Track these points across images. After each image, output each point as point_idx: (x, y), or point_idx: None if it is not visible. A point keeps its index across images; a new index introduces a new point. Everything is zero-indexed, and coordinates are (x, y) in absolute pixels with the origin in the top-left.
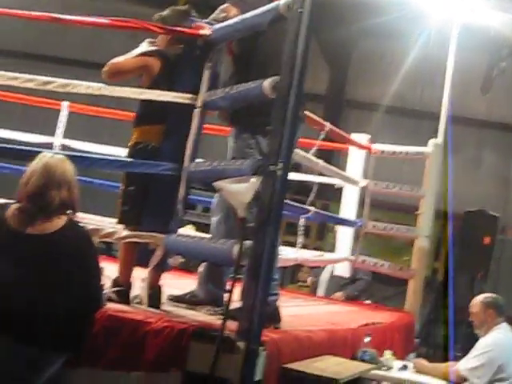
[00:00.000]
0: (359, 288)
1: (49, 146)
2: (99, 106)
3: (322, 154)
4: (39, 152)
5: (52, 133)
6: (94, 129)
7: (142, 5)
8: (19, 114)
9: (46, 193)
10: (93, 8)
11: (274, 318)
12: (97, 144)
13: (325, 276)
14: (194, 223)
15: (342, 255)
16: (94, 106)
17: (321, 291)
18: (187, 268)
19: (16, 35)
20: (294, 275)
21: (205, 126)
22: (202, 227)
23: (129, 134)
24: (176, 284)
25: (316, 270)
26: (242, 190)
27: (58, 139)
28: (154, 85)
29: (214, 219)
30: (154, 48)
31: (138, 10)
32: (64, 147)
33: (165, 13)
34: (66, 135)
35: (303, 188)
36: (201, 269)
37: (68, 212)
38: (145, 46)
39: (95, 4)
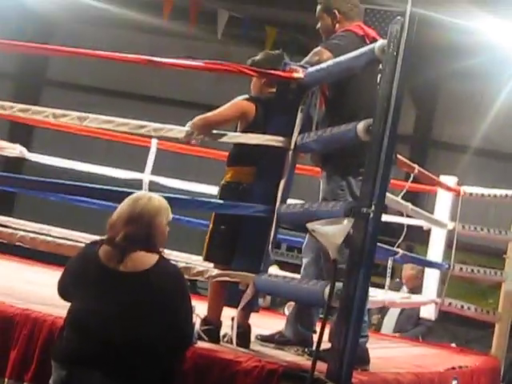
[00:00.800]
0: (419, 333)
1: (137, 183)
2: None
3: (409, 195)
4: (130, 192)
5: (137, 168)
6: (181, 166)
7: (231, 45)
8: (104, 149)
9: (138, 231)
10: (181, 48)
11: (362, 359)
12: (184, 181)
13: (392, 315)
14: (278, 262)
15: (428, 298)
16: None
17: (386, 330)
18: (271, 308)
19: (106, 73)
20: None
21: (296, 166)
22: (286, 266)
23: (215, 171)
24: (263, 324)
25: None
26: (334, 232)
27: (146, 176)
28: (248, 129)
29: (305, 260)
30: (249, 96)
31: (226, 49)
32: (152, 184)
33: (258, 57)
34: (153, 172)
35: (388, 229)
36: (286, 309)
37: (159, 250)
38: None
39: (184, 43)
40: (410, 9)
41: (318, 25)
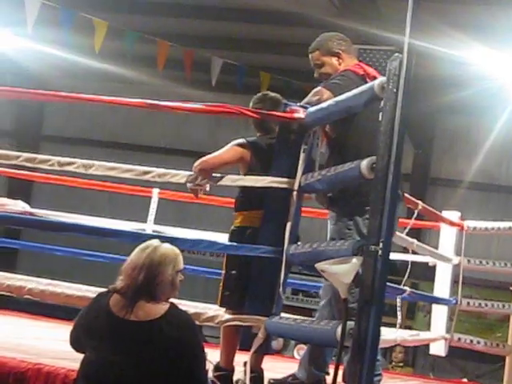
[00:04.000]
0: None
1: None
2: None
3: (412, 231)
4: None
5: (139, 219)
6: (182, 215)
7: (226, 92)
8: (106, 201)
9: (143, 280)
10: (177, 97)
11: None
12: (185, 229)
13: None
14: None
15: (437, 334)
16: (181, 192)
17: None
18: (281, 352)
19: (102, 126)
20: (386, 355)
21: (304, 209)
22: (291, 310)
23: (216, 218)
24: (275, 368)
25: None
26: (343, 271)
27: (149, 225)
28: (249, 173)
29: (321, 303)
30: (244, 140)
31: (222, 97)
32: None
33: (256, 100)
34: (156, 222)
35: (392, 267)
36: (296, 352)
37: (167, 299)
38: (240, 139)
39: (179, 92)
40: (408, 45)
41: (318, 72)
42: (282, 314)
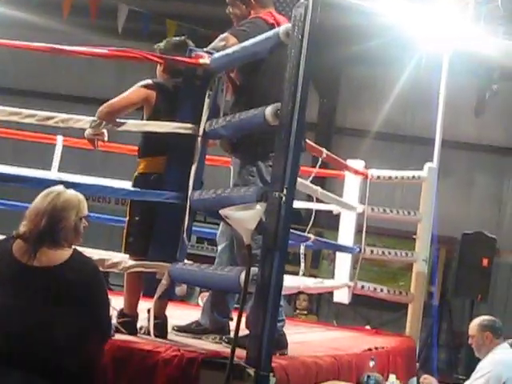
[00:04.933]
0: None
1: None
2: None
3: (317, 180)
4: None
5: (43, 167)
6: (87, 162)
7: (132, 39)
8: (10, 149)
9: (45, 226)
10: (82, 44)
11: (281, 344)
12: (91, 177)
13: None
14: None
15: (341, 282)
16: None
17: None
18: (185, 300)
19: (6, 72)
20: (291, 303)
21: (211, 157)
22: (196, 258)
23: (121, 165)
24: (179, 315)
25: None
26: (247, 217)
27: (53, 173)
28: (154, 116)
29: (219, 247)
30: (150, 81)
31: (128, 44)
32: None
33: (162, 44)
34: (60, 170)
35: (297, 215)
36: (200, 300)
37: (71, 244)
38: (146, 80)
39: (85, 39)
40: None
41: (229, 9)
42: (186, 261)
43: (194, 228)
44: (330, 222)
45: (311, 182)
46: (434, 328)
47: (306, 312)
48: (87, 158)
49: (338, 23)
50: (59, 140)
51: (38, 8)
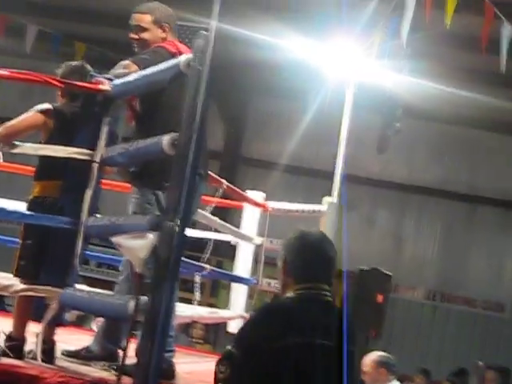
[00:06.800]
0: None
1: None
2: None
3: (218, 211)
4: None
5: None
6: None
7: (40, 60)
8: None
9: None
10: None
11: (168, 374)
12: None
13: None
14: (87, 278)
15: (235, 312)
16: None
17: None
18: (79, 324)
19: None
20: (187, 332)
21: (113, 183)
22: (95, 282)
23: (24, 187)
24: (72, 340)
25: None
26: (138, 246)
27: None
28: (51, 140)
29: (121, 277)
30: (48, 105)
31: (36, 64)
32: None
33: (61, 69)
34: None
35: (197, 244)
36: (94, 325)
37: None
38: (44, 105)
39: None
40: (216, 23)
41: (136, 35)
42: (81, 287)
43: (93, 253)
44: (229, 251)
45: (213, 212)
46: None
47: (202, 341)
48: None
49: (246, 56)
50: None
51: None
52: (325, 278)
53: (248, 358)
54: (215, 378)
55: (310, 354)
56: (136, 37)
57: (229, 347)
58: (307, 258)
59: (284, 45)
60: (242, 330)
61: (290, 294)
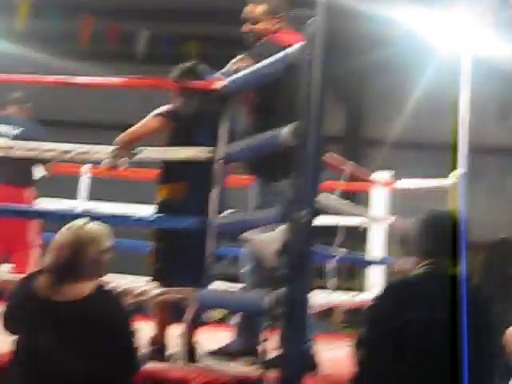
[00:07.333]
0: None
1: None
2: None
3: (345, 194)
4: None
5: (72, 196)
6: (115, 189)
7: (153, 64)
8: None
9: (68, 260)
10: (102, 70)
11: (311, 363)
12: (119, 203)
13: None
14: (223, 274)
15: (373, 294)
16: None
17: None
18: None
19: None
20: (328, 318)
21: (233, 178)
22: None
23: (149, 191)
24: (213, 338)
25: None
26: (269, 240)
27: (81, 203)
28: (171, 143)
29: (245, 270)
30: (166, 108)
31: (149, 69)
32: (87, 211)
33: (175, 72)
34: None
35: (328, 230)
36: (235, 321)
37: (94, 277)
38: (162, 108)
39: (105, 65)
40: (324, 8)
41: (249, 27)
42: (217, 284)
43: (228, 248)
44: (360, 234)
45: (339, 195)
46: None
47: (343, 326)
48: (115, 185)
49: (358, 33)
50: (85, 170)
51: (56, 37)
52: (449, 253)
53: (375, 337)
54: (354, 362)
55: (434, 329)
56: (249, 29)
57: (360, 328)
58: (430, 234)
59: (396, 18)
60: (367, 309)
61: (415, 271)
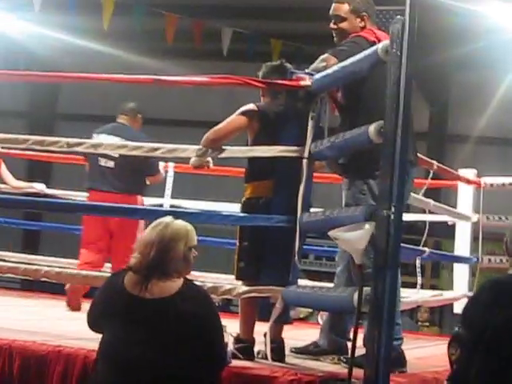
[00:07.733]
0: None
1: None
2: None
3: (431, 191)
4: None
5: (157, 194)
6: (199, 186)
7: (238, 61)
8: None
9: (155, 257)
10: (188, 69)
11: (399, 362)
12: (203, 201)
13: None
14: (307, 272)
15: (460, 292)
16: None
17: None
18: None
19: (116, 101)
20: (413, 316)
21: (318, 175)
22: (315, 275)
23: (233, 188)
24: (297, 335)
25: None
26: (356, 237)
27: (167, 200)
28: (258, 141)
29: (338, 269)
30: (252, 106)
31: (234, 66)
32: (173, 207)
33: (262, 70)
34: (173, 196)
35: (414, 227)
36: (320, 319)
37: (182, 274)
38: (248, 106)
39: (190, 64)
40: (411, 4)
41: (335, 24)
42: (303, 281)
43: (310, 246)
44: (447, 231)
45: (425, 193)
46: None
47: (427, 324)
48: (199, 183)
49: (442, 29)
50: (170, 167)
51: (142, 36)
52: None
53: (474, 336)
54: (450, 361)
55: None
56: (335, 27)
57: (456, 328)
58: None
59: (483, 12)
60: (465, 308)
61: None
